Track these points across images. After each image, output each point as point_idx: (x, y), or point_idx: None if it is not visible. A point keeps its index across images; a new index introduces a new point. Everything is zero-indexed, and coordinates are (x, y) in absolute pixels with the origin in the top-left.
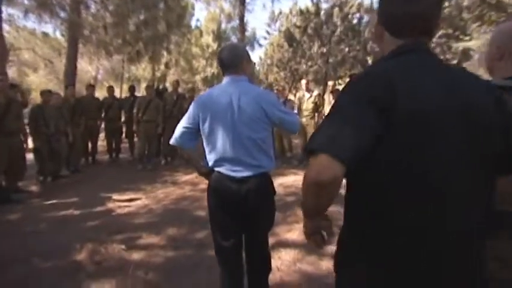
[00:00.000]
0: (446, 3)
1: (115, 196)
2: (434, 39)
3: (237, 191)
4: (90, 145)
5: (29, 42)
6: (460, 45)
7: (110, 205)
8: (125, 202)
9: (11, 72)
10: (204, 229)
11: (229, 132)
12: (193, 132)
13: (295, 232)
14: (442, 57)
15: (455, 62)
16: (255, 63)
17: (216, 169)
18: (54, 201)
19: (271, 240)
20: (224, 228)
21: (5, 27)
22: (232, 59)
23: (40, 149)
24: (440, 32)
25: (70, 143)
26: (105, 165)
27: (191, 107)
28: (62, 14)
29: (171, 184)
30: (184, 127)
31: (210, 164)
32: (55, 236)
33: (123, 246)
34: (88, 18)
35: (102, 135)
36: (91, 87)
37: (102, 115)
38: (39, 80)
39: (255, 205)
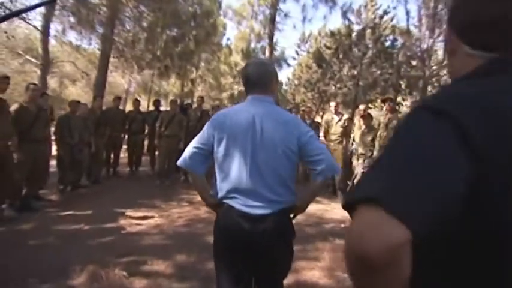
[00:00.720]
0: None
1: (129, 212)
2: None
3: (251, 231)
4: (112, 156)
5: (70, 55)
6: None
7: (122, 222)
8: (138, 220)
9: (53, 82)
10: None
11: (248, 159)
12: (206, 154)
13: (316, 271)
14: None
15: None
16: (282, 82)
17: (227, 202)
18: (70, 212)
19: (288, 280)
20: (231, 273)
21: (52, 41)
22: (261, 77)
23: (63, 158)
24: None
25: (92, 154)
26: (124, 178)
27: (206, 126)
28: (100, 29)
29: (186, 203)
30: (195, 147)
31: (221, 194)
32: (59, 253)
33: (125, 273)
34: (121, 33)
35: (124, 147)
36: (117, 99)
37: (126, 128)
38: (76, 92)
39: (271, 249)
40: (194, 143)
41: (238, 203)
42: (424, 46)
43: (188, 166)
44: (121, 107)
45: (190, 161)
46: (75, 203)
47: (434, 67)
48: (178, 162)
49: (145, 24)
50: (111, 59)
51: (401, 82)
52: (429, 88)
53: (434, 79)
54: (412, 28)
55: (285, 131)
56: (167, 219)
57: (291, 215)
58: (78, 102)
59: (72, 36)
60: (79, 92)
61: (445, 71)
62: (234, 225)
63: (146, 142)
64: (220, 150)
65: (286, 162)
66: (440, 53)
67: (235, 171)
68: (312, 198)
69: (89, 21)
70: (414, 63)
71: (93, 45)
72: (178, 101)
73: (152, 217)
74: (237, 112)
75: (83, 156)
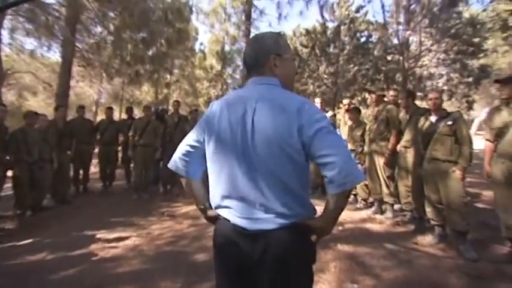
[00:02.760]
0: (457, 21)
1: (101, 234)
2: (451, 56)
3: (248, 251)
4: (81, 172)
5: (30, 65)
6: (476, 63)
7: (93, 246)
8: (112, 242)
9: (10, 95)
10: (205, 281)
11: (239, 160)
12: (200, 154)
13: (323, 285)
14: (458, 74)
15: (471, 79)
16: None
17: (222, 213)
18: (29, 241)
19: None
20: None
21: (6, 49)
22: (256, 56)
23: (20, 178)
24: (456, 49)
25: (56, 170)
26: (97, 195)
27: (200, 119)
28: (59, 35)
29: (168, 218)
30: (189, 145)
31: (214, 203)
32: None
33: None
34: (85, 39)
35: (95, 161)
36: (81, 108)
37: (97, 138)
38: (38, 104)
39: (275, 276)
40: (185, 139)
41: (233, 214)
42: (401, 39)
43: (181, 169)
44: (91, 119)
45: (181, 163)
46: (36, 229)
47: (411, 60)
48: (169, 165)
49: (111, 26)
50: (77, 68)
51: (379, 76)
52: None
53: (409, 72)
54: (388, 21)
55: (283, 122)
56: (146, 239)
57: (310, 235)
58: (36, 113)
59: (30, 43)
60: (41, 104)
61: (420, 63)
62: (228, 242)
63: (120, 154)
64: (210, 147)
65: (286, 163)
66: (414, 46)
67: (226, 174)
68: (333, 215)
69: (47, 26)
70: (389, 58)
71: (54, 53)
72: (153, 108)
73: (129, 237)
74: (232, 99)
75: (44, 174)
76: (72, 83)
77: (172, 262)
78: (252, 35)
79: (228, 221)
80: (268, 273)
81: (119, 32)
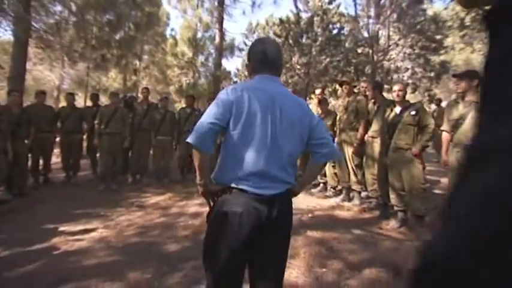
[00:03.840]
0: (422, 18)
1: (64, 227)
2: (416, 51)
3: (267, 212)
4: (41, 162)
5: None
6: (437, 58)
7: (55, 240)
8: (76, 235)
9: None
10: (176, 271)
11: (268, 141)
12: (219, 131)
13: (293, 270)
14: (421, 69)
15: (433, 74)
16: (231, 73)
17: (237, 186)
18: None
19: None
20: (238, 262)
21: None
22: (278, 58)
23: None
24: (420, 44)
25: (11, 161)
26: (59, 186)
27: (223, 99)
28: (10, 11)
29: (137, 208)
30: (211, 122)
31: (229, 178)
32: None
33: None
34: (43, 18)
35: (57, 150)
36: (41, 94)
37: (58, 127)
38: None
39: (284, 230)
40: (209, 117)
41: (251, 186)
42: (370, 32)
43: (201, 145)
44: (53, 105)
45: (204, 139)
46: None
47: (380, 53)
48: (190, 139)
49: (73, 6)
50: (34, 50)
51: (349, 68)
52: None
53: (378, 65)
54: (359, 14)
55: (301, 113)
56: (114, 230)
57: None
58: None
59: None
60: None
61: (388, 56)
62: (247, 210)
63: (85, 143)
64: (237, 128)
65: (299, 143)
66: (383, 40)
67: (252, 153)
68: (311, 180)
69: None
70: (359, 50)
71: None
72: (121, 95)
73: (95, 229)
74: (255, 89)
75: None
76: (29, 65)
77: (141, 253)
78: (224, 22)
79: (245, 191)
80: (278, 226)
81: (82, 13)
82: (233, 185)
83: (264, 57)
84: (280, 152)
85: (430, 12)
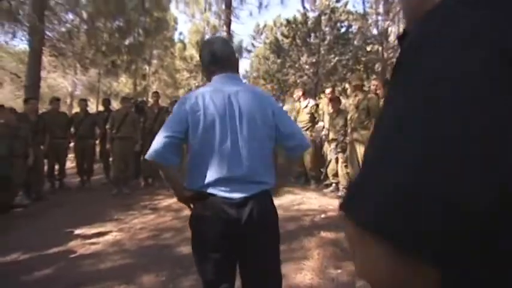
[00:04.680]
0: None
1: (80, 230)
2: None
3: (236, 216)
4: (56, 167)
5: None
6: None
7: (72, 243)
8: (92, 238)
9: None
10: (190, 274)
11: (228, 143)
12: (179, 143)
13: (307, 272)
14: None
15: None
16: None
17: (207, 190)
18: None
19: None
20: (216, 265)
21: None
22: (229, 55)
23: None
24: None
25: (30, 167)
26: (74, 190)
27: (177, 110)
28: (25, 22)
29: (150, 211)
30: (166, 136)
31: (199, 184)
32: None
33: None
34: (55, 27)
35: (71, 156)
36: (55, 100)
37: (72, 132)
38: (4, 96)
39: (257, 233)
40: (164, 132)
41: (220, 190)
42: (380, 29)
43: (160, 160)
44: (66, 111)
45: (162, 153)
46: (8, 228)
47: (390, 50)
48: (147, 156)
49: (84, 14)
50: (48, 58)
51: (358, 67)
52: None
53: (388, 62)
54: (367, 11)
55: (262, 107)
56: (128, 233)
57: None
58: (1, 106)
59: None
60: (9, 96)
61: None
62: (218, 213)
63: (98, 148)
64: (196, 136)
65: (267, 141)
66: (393, 37)
67: (215, 159)
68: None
69: (10, 11)
70: (369, 48)
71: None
72: (132, 100)
73: (109, 232)
74: (211, 92)
75: (15, 171)
76: (43, 74)
77: (155, 256)
78: (232, 24)
79: (215, 195)
80: (253, 229)
81: (92, 20)
82: (204, 190)
83: (214, 58)
84: (245, 152)
85: None
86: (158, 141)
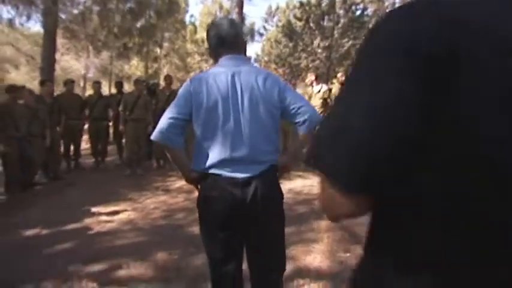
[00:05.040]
0: None
1: (95, 208)
2: None
3: (241, 195)
4: (72, 148)
5: (8, 36)
6: None
7: (88, 220)
8: (107, 216)
9: None
10: (202, 252)
11: (232, 124)
12: (183, 124)
13: (317, 254)
14: None
15: None
16: (251, 58)
17: (212, 171)
18: (22, 216)
19: (287, 268)
20: (222, 243)
21: None
22: (236, 37)
23: (9, 155)
24: None
25: (47, 147)
26: (89, 171)
27: (182, 92)
28: (39, 4)
29: (162, 192)
30: (171, 117)
31: (205, 165)
32: (8, 269)
33: (95, 284)
34: (68, 9)
35: (86, 137)
36: (70, 82)
37: (86, 114)
38: (21, 78)
39: (262, 211)
40: (169, 113)
41: (225, 170)
42: None
43: (165, 140)
44: (80, 93)
45: (167, 134)
46: (29, 205)
47: None
48: (153, 137)
49: None
50: (61, 40)
51: None
52: None
53: None
54: None
55: (266, 87)
56: (142, 212)
57: (277, 175)
58: (22, 87)
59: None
60: (25, 77)
61: None
62: (223, 193)
63: (111, 129)
64: (200, 118)
65: (270, 119)
66: None
67: (218, 140)
68: (299, 153)
69: None
70: None
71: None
72: (144, 82)
73: (124, 211)
74: (215, 74)
75: (35, 150)
76: (57, 56)
77: (168, 235)
78: (244, 6)
79: (220, 175)
80: (257, 207)
81: (104, 2)
82: (209, 171)
83: (220, 40)
84: (249, 133)
85: None
86: (163, 122)
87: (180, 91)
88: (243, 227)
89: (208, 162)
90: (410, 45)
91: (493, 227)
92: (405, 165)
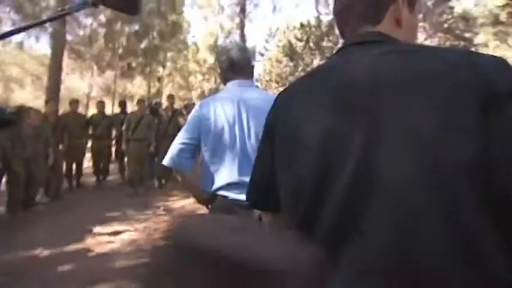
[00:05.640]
0: (449, 16)
1: (97, 228)
2: None
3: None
4: (74, 167)
5: (16, 57)
6: None
7: (89, 241)
8: (108, 236)
9: None
10: None
11: (238, 151)
12: (193, 149)
13: None
14: None
15: None
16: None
17: (220, 193)
18: (20, 237)
19: None
20: None
21: None
22: (245, 62)
23: (16, 175)
24: (448, 43)
25: (50, 166)
26: (90, 190)
27: (191, 118)
28: (49, 26)
29: (164, 212)
30: (182, 143)
31: (213, 188)
32: None
33: None
34: (75, 30)
35: (88, 155)
36: (75, 102)
37: (89, 133)
38: (25, 97)
39: None
40: (180, 139)
41: (231, 192)
42: None
43: (176, 165)
44: (82, 112)
45: (178, 159)
46: (29, 224)
47: None
48: (165, 162)
49: (102, 18)
50: (67, 61)
51: None
52: None
53: None
54: None
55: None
56: (143, 233)
57: None
58: (29, 108)
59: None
60: (29, 96)
61: None
62: (230, 213)
63: (114, 148)
64: (208, 143)
65: None
66: None
67: (225, 165)
68: None
69: (35, 17)
70: None
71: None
72: (147, 102)
73: (125, 231)
74: (222, 100)
75: (39, 169)
76: (62, 76)
77: None
78: (246, 28)
79: (227, 197)
80: None
81: (110, 24)
82: (217, 192)
83: (230, 64)
84: (252, 160)
85: (458, 10)
86: (173, 147)
87: (190, 116)
88: None
89: (216, 185)
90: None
91: None
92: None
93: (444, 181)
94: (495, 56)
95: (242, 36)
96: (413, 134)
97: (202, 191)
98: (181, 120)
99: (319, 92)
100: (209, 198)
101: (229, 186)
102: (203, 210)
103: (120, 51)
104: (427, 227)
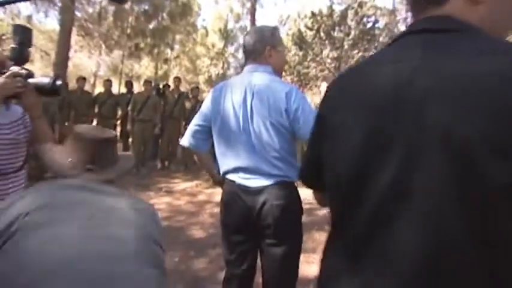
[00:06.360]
0: None
1: None
2: None
3: (251, 203)
4: None
5: None
6: None
7: None
8: None
9: None
10: (202, 256)
11: (242, 136)
12: (207, 131)
13: (316, 267)
14: None
15: None
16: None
17: (228, 177)
18: None
19: None
20: (236, 248)
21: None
22: (255, 44)
23: None
24: None
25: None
26: None
27: (205, 100)
28: (58, 1)
29: (165, 193)
30: (197, 125)
31: (222, 170)
32: None
33: None
34: (85, 7)
35: None
36: (82, 80)
37: (95, 111)
38: (35, 72)
39: (273, 222)
40: (195, 121)
41: (238, 177)
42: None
43: (192, 146)
44: (89, 91)
45: (193, 140)
46: None
47: None
48: (181, 142)
49: None
50: (75, 38)
51: None
52: None
53: None
54: (396, 7)
55: (275, 105)
56: None
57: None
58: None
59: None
60: (38, 72)
61: None
62: (235, 199)
63: (119, 128)
64: (216, 127)
65: (276, 137)
66: None
67: (232, 148)
68: None
69: None
70: None
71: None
72: (153, 83)
73: None
74: (232, 85)
75: None
76: (71, 53)
77: (169, 237)
78: (257, 12)
79: (234, 182)
80: (267, 217)
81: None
82: (226, 176)
83: (244, 50)
84: (258, 146)
85: None
86: (190, 129)
87: (205, 99)
88: (256, 235)
89: (225, 168)
90: None
91: None
92: None
93: (478, 201)
94: None
95: (253, 21)
96: (455, 150)
97: (217, 173)
98: (187, 103)
99: (366, 88)
100: (223, 180)
101: (235, 170)
102: (203, 195)
103: (129, 30)
104: (457, 244)
